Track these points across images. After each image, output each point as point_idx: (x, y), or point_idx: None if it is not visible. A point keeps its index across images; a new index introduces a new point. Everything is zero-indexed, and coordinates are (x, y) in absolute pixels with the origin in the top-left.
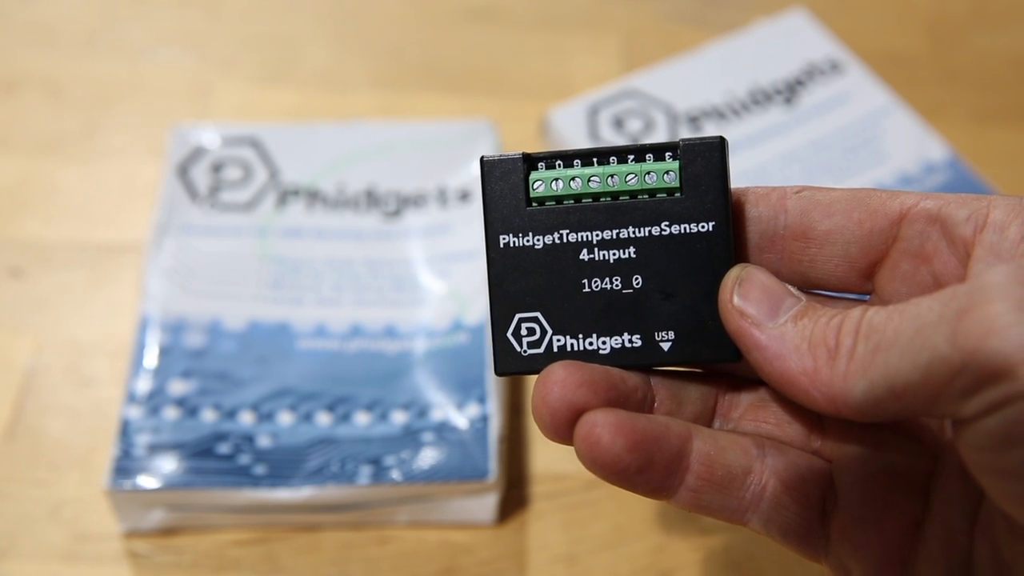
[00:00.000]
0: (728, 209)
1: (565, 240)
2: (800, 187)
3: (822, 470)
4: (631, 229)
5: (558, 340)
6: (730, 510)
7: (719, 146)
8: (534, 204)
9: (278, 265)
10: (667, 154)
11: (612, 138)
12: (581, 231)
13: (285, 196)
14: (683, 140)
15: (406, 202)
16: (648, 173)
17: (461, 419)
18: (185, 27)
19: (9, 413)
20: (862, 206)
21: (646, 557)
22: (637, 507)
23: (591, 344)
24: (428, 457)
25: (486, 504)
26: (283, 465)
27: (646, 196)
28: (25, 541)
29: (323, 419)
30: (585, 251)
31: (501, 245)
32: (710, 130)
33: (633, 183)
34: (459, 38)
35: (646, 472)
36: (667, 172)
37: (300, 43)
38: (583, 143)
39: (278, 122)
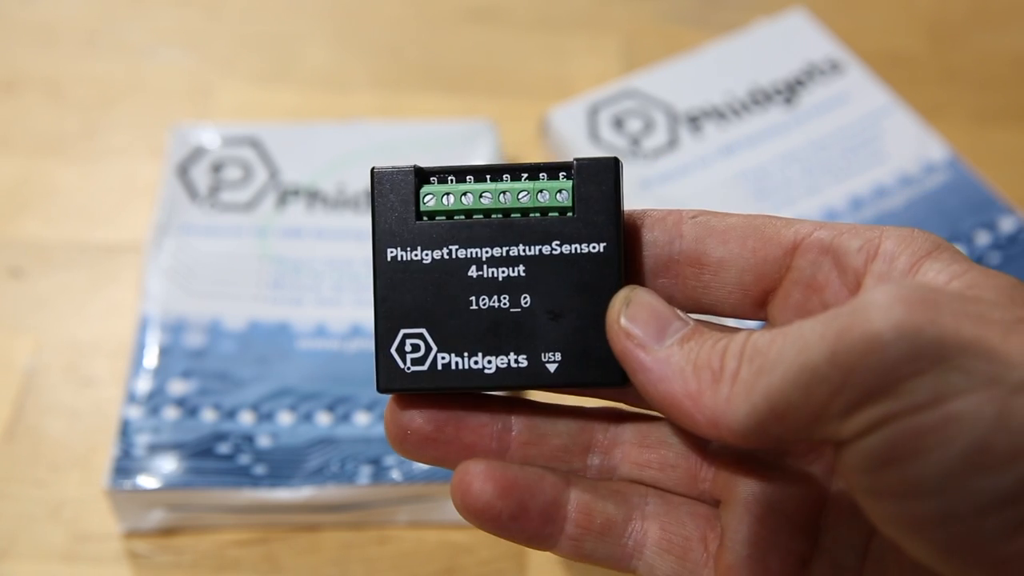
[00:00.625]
0: (619, 231)
1: (454, 256)
2: (696, 211)
3: (705, 514)
4: (521, 247)
5: (443, 358)
6: (614, 559)
7: (613, 166)
8: (424, 218)
9: (278, 265)
10: (561, 174)
11: (612, 138)
12: (470, 247)
13: (285, 196)
14: (576, 159)
15: None
16: (540, 191)
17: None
18: (185, 27)
19: (9, 413)
20: (756, 234)
21: None
22: None
23: (476, 363)
24: None
25: None
26: (283, 465)
27: (538, 214)
28: (25, 541)
29: (323, 419)
30: (474, 268)
31: (388, 259)
32: (710, 130)
33: (525, 200)
34: (459, 38)
35: (520, 519)
36: (560, 191)
37: (300, 43)
38: (583, 143)
39: (278, 122)
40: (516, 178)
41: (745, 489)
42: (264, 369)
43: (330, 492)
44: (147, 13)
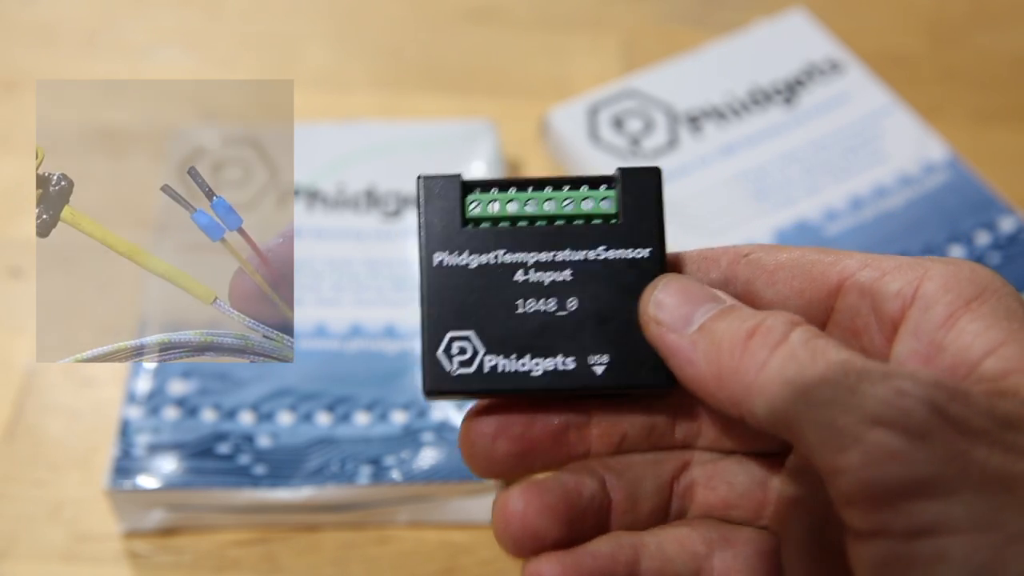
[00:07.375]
0: (663, 236)
1: (500, 260)
2: (751, 248)
3: (769, 553)
4: (568, 252)
5: (490, 360)
6: None
7: (656, 175)
8: (470, 225)
9: None
10: (603, 185)
11: (612, 138)
12: (517, 252)
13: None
14: (620, 168)
15: (406, 202)
16: (585, 199)
17: (461, 419)
18: (185, 27)
19: (9, 413)
20: (803, 274)
21: None
22: None
23: (523, 365)
24: (428, 457)
25: (486, 504)
26: (283, 465)
27: (583, 221)
28: (25, 541)
29: (323, 419)
30: (520, 272)
31: (435, 264)
32: (710, 130)
33: (570, 208)
34: (459, 38)
35: None
36: (603, 199)
37: (300, 43)
38: (583, 143)
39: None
40: (559, 188)
41: (798, 527)
42: (264, 369)
43: (330, 492)
44: (147, 13)
